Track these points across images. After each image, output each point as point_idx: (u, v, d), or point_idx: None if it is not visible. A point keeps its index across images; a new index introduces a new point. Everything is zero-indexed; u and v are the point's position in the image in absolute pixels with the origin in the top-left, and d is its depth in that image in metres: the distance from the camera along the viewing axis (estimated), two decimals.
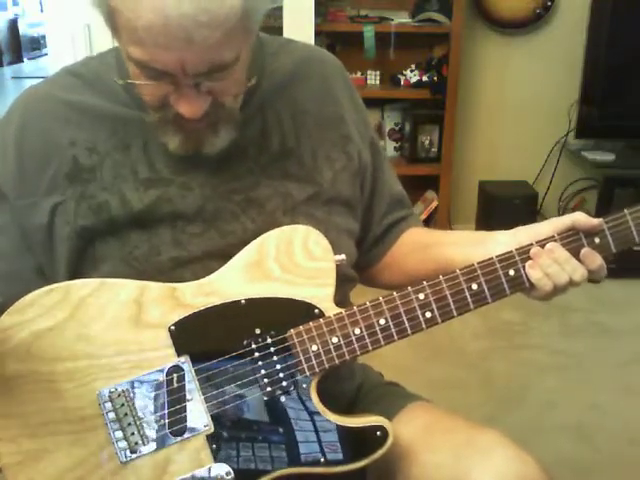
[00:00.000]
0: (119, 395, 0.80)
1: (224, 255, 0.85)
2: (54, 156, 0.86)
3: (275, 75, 0.93)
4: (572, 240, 0.84)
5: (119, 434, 0.80)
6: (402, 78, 3.08)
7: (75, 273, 0.87)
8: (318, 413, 0.83)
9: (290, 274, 0.84)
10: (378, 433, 0.83)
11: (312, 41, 2.59)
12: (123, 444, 0.80)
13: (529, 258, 0.84)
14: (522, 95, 3.22)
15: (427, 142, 3.13)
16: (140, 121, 0.86)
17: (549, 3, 3.05)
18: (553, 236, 0.84)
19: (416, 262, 0.98)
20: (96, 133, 0.87)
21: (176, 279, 0.84)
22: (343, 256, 0.86)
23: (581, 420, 2.02)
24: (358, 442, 0.84)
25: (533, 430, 1.96)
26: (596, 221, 0.84)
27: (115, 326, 0.81)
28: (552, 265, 0.83)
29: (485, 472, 0.81)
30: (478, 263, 0.84)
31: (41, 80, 0.93)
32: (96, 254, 0.87)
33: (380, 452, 0.83)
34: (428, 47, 3.12)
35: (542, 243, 0.84)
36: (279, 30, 2.56)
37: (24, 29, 8.88)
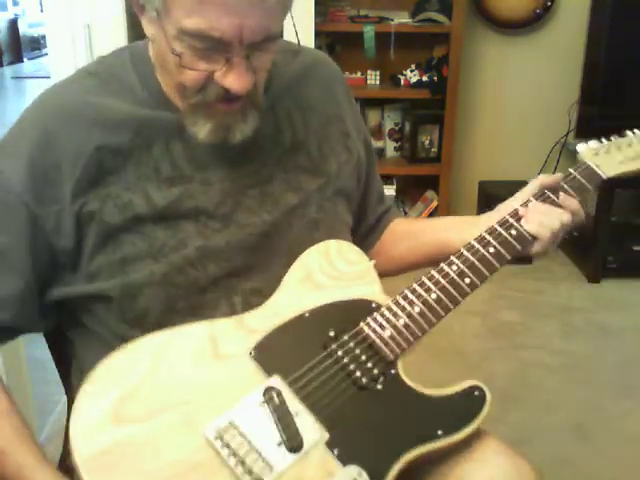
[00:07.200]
0: (226, 430, 0.77)
1: (246, 246, 0.90)
2: (79, 161, 0.85)
3: (285, 75, 0.98)
4: (545, 197, 0.99)
5: (239, 469, 0.75)
6: (402, 78, 3.08)
7: (101, 276, 0.87)
8: (415, 391, 0.85)
9: (338, 280, 0.92)
10: (476, 393, 0.85)
11: (312, 41, 2.59)
12: (248, 477, 0.75)
13: (520, 218, 0.96)
14: (522, 95, 3.22)
15: (427, 142, 3.13)
16: (160, 120, 0.88)
17: (549, 3, 3.05)
18: (529, 199, 0.98)
19: (405, 249, 1.09)
20: (120, 135, 0.87)
21: (201, 270, 0.87)
22: (374, 261, 0.95)
23: (581, 420, 2.02)
24: (462, 407, 0.85)
25: (533, 430, 1.96)
26: (558, 176, 1.00)
27: (197, 365, 0.80)
28: (541, 216, 0.95)
29: None
30: (485, 231, 0.95)
31: (56, 84, 0.92)
32: (126, 257, 0.86)
33: (486, 409, 0.84)
34: (428, 47, 3.12)
35: (524, 205, 0.97)
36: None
37: (24, 29, 8.90)
